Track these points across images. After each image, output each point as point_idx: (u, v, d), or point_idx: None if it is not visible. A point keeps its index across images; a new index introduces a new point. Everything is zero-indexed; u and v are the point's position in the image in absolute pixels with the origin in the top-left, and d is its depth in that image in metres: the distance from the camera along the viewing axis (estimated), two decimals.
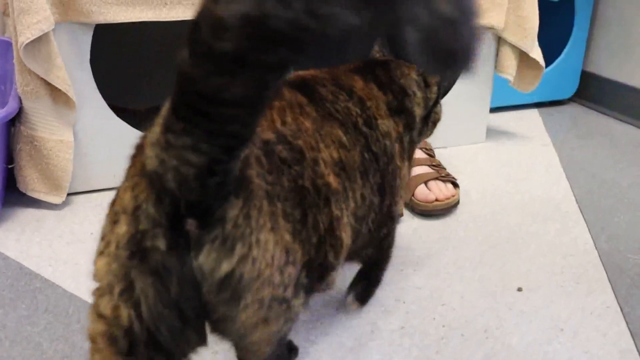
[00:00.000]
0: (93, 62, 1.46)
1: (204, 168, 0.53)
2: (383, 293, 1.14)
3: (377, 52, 1.10)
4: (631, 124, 2.28)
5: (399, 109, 0.99)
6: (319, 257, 0.76)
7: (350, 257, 0.93)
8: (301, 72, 0.93)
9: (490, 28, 1.81)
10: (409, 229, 1.38)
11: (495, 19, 1.79)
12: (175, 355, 0.67)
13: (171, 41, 2.11)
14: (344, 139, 0.84)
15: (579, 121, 2.32)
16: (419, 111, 1.03)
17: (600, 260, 1.29)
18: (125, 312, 0.62)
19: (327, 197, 0.76)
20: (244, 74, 0.46)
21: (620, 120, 2.33)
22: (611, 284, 1.21)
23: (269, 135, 0.70)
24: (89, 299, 1.10)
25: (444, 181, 1.48)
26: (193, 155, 0.52)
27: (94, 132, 1.50)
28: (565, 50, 2.41)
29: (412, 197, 1.44)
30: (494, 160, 1.83)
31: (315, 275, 0.77)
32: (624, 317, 1.11)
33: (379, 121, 0.93)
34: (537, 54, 1.88)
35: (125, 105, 1.97)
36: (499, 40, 1.88)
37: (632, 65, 2.33)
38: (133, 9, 1.39)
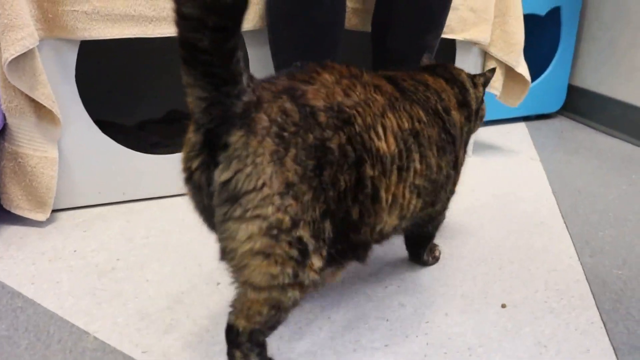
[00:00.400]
0: (80, 77, 1.46)
1: (208, 101, 0.78)
2: (366, 311, 1.14)
3: (426, 60, 1.31)
4: (617, 137, 2.29)
5: (463, 102, 1.19)
6: (340, 210, 0.89)
7: (431, 219, 1.18)
8: (381, 72, 1.10)
9: (477, 43, 1.83)
10: (394, 246, 1.37)
11: (482, 34, 1.80)
12: None
13: (158, 56, 2.12)
14: (424, 118, 1.03)
15: (566, 135, 2.33)
16: (474, 105, 1.24)
17: (585, 275, 1.29)
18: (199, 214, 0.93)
19: (359, 160, 0.89)
20: (206, 32, 0.71)
21: (607, 133, 2.35)
22: (595, 300, 1.21)
23: (318, 102, 0.88)
24: (70, 318, 1.10)
25: None
26: (199, 91, 0.77)
27: (79, 149, 1.50)
28: (552, 64, 2.42)
29: None
30: (480, 174, 1.84)
31: (342, 229, 0.90)
32: (607, 333, 1.10)
33: (453, 112, 1.13)
34: (523, 68, 1.90)
35: (114, 120, 1.97)
36: (485, 55, 1.89)
37: (617, 79, 2.34)
38: (119, 25, 1.39)
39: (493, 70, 1.33)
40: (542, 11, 2.29)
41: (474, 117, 1.26)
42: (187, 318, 1.12)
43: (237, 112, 0.80)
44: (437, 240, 1.34)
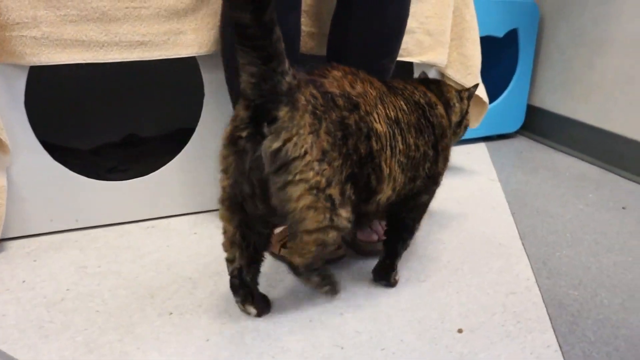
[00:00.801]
0: (33, 101, 1.43)
1: (258, 76, 0.96)
2: (321, 339, 1.12)
3: (422, 75, 1.52)
4: (574, 157, 2.32)
5: (446, 113, 1.37)
6: (362, 175, 1.11)
7: (407, 199, 1.28)
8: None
9: (434, 65, 1.84)
10: (351, 271, 1.36)
11: (439, 56, 1.81)
12: (253, 219, 1.12)
13: (115, 79, 2.09)
14: (405, 107, 1.22)
15: (525, 155, 2.35)
16: (455, 118, 1.43)
17: (542, 297, 1.29)
18: (226, 182, 1.09)
19: (368, 135, 1.11)
20: (245, 11, 0.89)
21: (565, 152, 2.38)
22: (551, 322, 1.20)
23: (334, 90, 1.10)
24: (15, 353, 1.07)
25: None
26: (251, 67, 0.96)
27: (29, 176, 1.46)
28: (510, 85, 2.45)
29: (355, 237, 1.43)
30: (440, 196, 1.83)
31: (361, 194, 1.12)
32: (563, 356, 1.10)
33: (438, 106, 1.32)
34: (480, 90, 1.91)
35: (69, 144, 1.94)
36: (443, 78, 1.90)
37: (574, 99, 2.38)
38: (69, 50, 1.36)
39: (477, 85, 1.54)
40: (499, 33, 2.33)
41: (457, 127, 1.45)
42: (137, 350, 1.09)
43: (283, 90, 0.99)
44: None
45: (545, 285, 1.34)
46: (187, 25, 1.43)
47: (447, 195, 1.85)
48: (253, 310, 1.18)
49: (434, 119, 1.28)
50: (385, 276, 1.33)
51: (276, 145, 0.99)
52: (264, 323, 1.16)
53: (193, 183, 1.64)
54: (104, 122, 2.13)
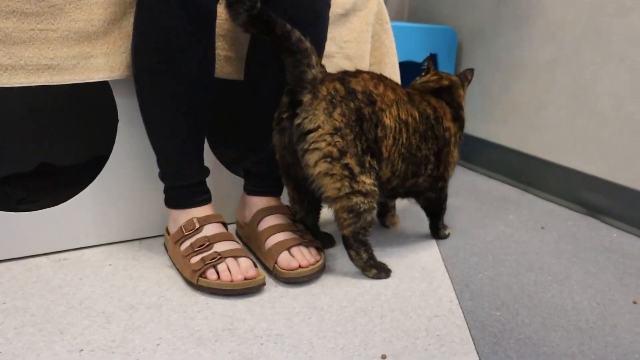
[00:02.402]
0: None
1: (291, 65, 1.29)
2: None
3: (428, 65, 1.81)
4: (494, 179, 2.37)
5: (456, 117, 1.66)
6: (374, 150, 1.37)
7: (415, 194, 1.64)
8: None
9: None
10: (271, 299, 1.32)
11: None
12: (297, 182, 1.44)
13: (28, 105, 2.00)
14: (417, 117, 1.48)
15: None
16: (463, 114, 1.71)
17: (465, 319, 1.29)
18: (278, 155, 1.42)
19: (377, 124, 1.36)
20: (262, 34, 1.25)
21: (485, 175, 2.42)
22: (474, 343, 1.20)
23: (358, 88, 1.35)
24: None
25: (307, 246, 1.44)
26: (287, 59, 1.29)
27: None
28: None
29: (275, 265, 1.40)
30: None
31: (374, 163, 1.37)
32: None
33: (444, 121, 1.58)
34: None
35: None
36: None
37: (492, 122, 2.43)
38: None
39: (472, 70, 1.83)
40: (419, 58, 2.36)
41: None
42: None
43: (309, 79, 1.29)
44: (318, 291, 1.30)
45: (468, 307, 1.34)
46: (98, 48, 1.38)
47: None
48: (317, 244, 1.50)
49: (438, 132, 1.55)
50: (436, 234, 1.75)
51: (298, 121, 1.30)
52: (180, 357, 1.10)
53: (107, 212, 1.58)
54: (15, 150, 2.03)
